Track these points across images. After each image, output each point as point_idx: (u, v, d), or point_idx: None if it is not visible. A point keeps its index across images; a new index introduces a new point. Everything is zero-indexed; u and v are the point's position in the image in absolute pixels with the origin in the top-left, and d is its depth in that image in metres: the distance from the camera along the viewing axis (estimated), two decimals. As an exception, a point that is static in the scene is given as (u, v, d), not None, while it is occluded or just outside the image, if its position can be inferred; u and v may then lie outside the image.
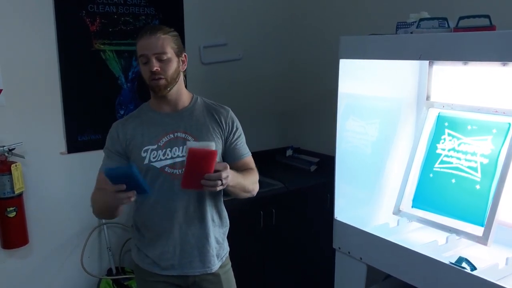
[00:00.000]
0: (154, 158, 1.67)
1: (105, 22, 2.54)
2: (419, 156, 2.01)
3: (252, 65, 3.16)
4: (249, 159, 1.83)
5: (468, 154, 1.84)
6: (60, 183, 2.50)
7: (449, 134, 1.93)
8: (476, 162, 1.80)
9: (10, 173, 2.22)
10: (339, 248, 2.02)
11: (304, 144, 3.32)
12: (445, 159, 1.91)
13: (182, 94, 1.73)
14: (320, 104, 3.11)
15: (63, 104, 2.47)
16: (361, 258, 1.91)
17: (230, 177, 1.57)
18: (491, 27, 1.59)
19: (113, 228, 2.71)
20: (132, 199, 1.48)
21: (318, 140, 3.16)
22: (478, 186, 1.76)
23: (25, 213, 2.34)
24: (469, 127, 1.87)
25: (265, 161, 2.93)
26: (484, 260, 1.68)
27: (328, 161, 2.29)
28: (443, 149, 1.93)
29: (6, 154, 2.25)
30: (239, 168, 1.74)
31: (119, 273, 2.64)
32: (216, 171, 1.51)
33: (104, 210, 1.66)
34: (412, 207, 1.99)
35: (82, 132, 2.54)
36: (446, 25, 1.73)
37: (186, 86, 1.77)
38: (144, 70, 1.65)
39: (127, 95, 2.67)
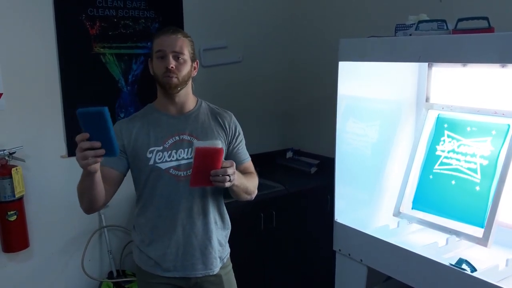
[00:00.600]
0: (159, 159, 1.68)
1: (105, 25, 2.55)
2: (418, 158, 2.02)
3: (252, 67, 3.16)
4: (249, 163, 1.85)
5: (467, 155, 1.84)
6: (61, 187, 2.50)
7: (448, 136, 1.93)
8: (475, 163, 1.80)
9: (11, 177, 2.22)
10: (340, 250, 2.02)
11: (304, 146, 3.32)
12: (445, 160, 1.91)
13: (189, 98, 1.75)
14: (320, 106, 3.11)
15: (63, 107, 2.47)
16: (361, 260, 1.91)
17: (236, 175, 1.59)
18: (489, 29, 1.59)
19: (114, 231, 2.71)
20: (99, 159, 1.39)
21: (318, 142, 3.16)
22: (478, 188, 1.77)
23: (26, 217, 2.34)
24: (468, 129, 1.87)
25: (265, 163, 2.94)
26: (484, 261, 1.68)
27: (328, 163, 2.29)
28: (443, 151, 1.93)
29: (7, 158, 2.26)
30: (240, 172, 1.75)
31: (120, 276, 2.64)
32: (223, 168, 1.53)
33: (84, 191, 1.54)
34: (412, 208, 1.99)
35: (82, 135, 2.54)
36: (445, 27, 1.73)
37: (193, 92, 1.79)
38: (158, 65, 1.66)
39: (127, 98, 2.68)
